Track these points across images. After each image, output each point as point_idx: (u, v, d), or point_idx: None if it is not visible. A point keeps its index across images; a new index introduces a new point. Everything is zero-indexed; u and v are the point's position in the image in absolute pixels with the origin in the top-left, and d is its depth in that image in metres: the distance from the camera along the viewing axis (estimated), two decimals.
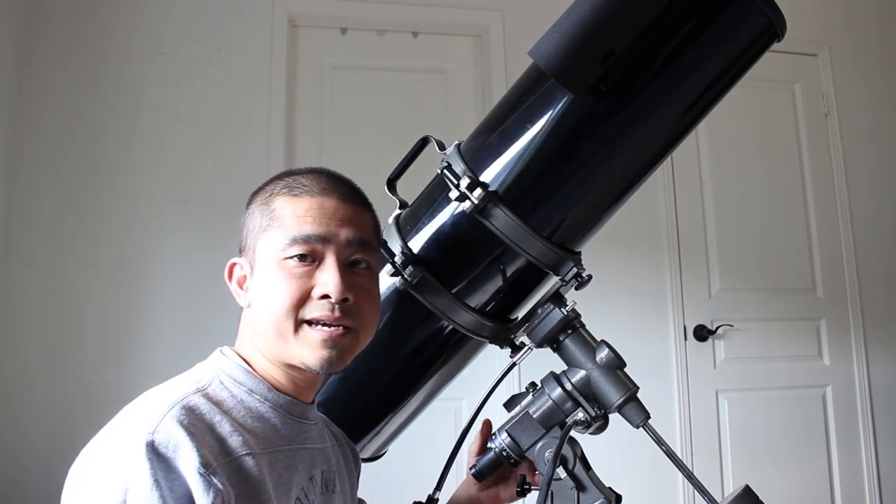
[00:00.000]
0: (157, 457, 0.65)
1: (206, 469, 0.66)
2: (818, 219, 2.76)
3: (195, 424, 0.69)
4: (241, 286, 0.83)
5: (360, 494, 0.99)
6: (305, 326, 0.77)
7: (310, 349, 0.77)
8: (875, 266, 2.77)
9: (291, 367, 0.80)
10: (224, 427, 0.71)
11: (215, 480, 0.66)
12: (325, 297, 0.76)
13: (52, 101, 2.27)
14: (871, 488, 2.61)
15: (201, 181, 2.31)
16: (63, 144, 2.25)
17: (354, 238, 0.80)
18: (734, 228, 2.69)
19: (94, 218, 2.23)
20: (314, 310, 0.77)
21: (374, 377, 1.00)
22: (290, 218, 0.79)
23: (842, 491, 2.59)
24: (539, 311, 0.91)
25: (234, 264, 0.84)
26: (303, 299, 0.77)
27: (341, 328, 0.77)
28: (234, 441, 0.71)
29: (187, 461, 0.65)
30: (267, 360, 0.81)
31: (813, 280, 2.73)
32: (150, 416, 0.68)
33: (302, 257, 0.77)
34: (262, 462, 0.73)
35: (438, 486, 0.94)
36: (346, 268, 0.79)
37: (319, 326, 0.77)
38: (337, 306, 0.76)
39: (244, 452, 0.71)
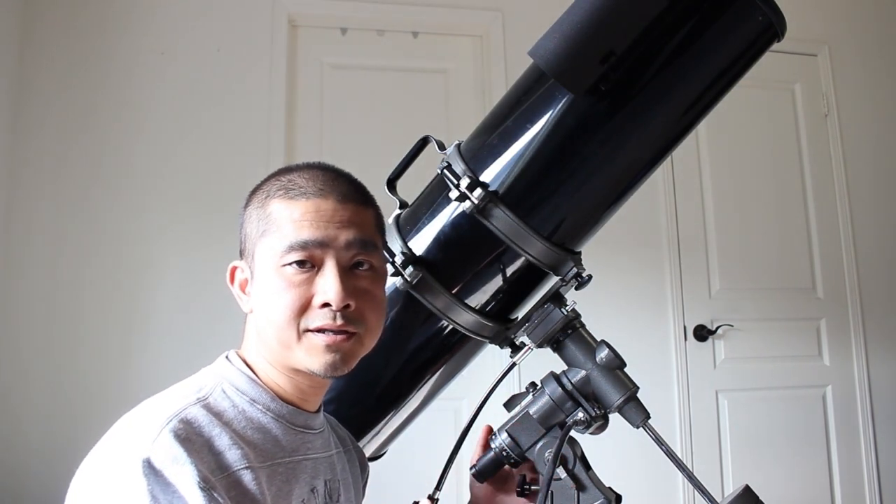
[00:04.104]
0: (155, 473, 0.64)
1: (206, 483, 0.65)
2: (818, 219, 2.75)
3: (193, 438, 0.68)
4: (243, 290, 0.81)
5: None
6: (308, 333, 0.75)
7: (314, 355, 0.75)
8: (875, 266, 2.77)
9: (297, 372, 0.79)
10: (223, 440, 0.70)
11: (216, 495, 0.65)
12: (326, 305, 0.75)
13: (51, 101, 2.27)
14: (871, 488, 2.61)
15: (201, 181, 2.31)
16: (62, 144, 2.25)
17: (355, 240, 0.77)
18: (734, 228, 2.69)
19: (93, 218, 2.23)
20: (316, 319, 0.75)
21: (375, 377, 1.00)
22: (286, 223, 0.76)
23: (842, 491, 2.59)
24: (539, 311, 0.91)
25: (235, 268, 0.82)
26: (303, 308, 0.75)
27: (345, 333, 0.76)
28: (233, 455, 0.70)
29: (186, 476, 0.64)
30: (271, 366, 0.80)
31: (813, 280, 2.73)
32: (148, 430, 0.67)
33: (300, 263, 0.75)
34: (261, 476, 0.72)
35: (438, 486, 0.93)
36: (348, 271, 0.77)
37: (323, 333, 0.75)
38: (338, 314, 0.75)
39: (242, 466, 0.70)
